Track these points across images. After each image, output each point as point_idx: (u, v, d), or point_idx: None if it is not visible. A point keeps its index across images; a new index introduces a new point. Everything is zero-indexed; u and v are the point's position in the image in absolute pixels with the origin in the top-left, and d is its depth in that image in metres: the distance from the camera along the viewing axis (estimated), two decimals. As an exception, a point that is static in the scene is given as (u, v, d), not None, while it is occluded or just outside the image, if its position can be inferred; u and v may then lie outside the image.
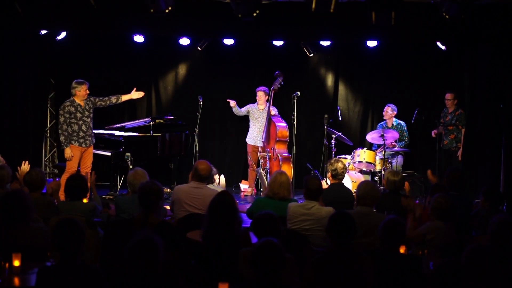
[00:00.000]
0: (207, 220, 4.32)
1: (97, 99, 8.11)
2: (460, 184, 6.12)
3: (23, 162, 6.31)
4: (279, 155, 8.89)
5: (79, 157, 7.94)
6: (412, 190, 6.96)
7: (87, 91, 7.94)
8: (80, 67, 9.93)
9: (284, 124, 9.09)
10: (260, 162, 9.14)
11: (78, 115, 7.88)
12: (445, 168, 8.41)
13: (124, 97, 8.37)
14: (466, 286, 3.23)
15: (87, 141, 7.97)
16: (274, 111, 9.25)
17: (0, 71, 8.87)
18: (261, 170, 8.95)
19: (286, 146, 9.11)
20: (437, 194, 5.11)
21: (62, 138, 7.86)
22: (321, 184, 5.31)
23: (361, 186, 5.21)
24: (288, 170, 8.60)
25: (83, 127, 7.93)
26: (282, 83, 9.04)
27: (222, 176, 8.45)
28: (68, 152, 7.86)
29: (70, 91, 7.94)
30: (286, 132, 9.05)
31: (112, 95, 8.26)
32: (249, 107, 9.50)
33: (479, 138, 8.99)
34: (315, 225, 5.04)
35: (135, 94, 8.46)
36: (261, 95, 9.35)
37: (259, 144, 9.30)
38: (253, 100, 9.52)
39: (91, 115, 8.05)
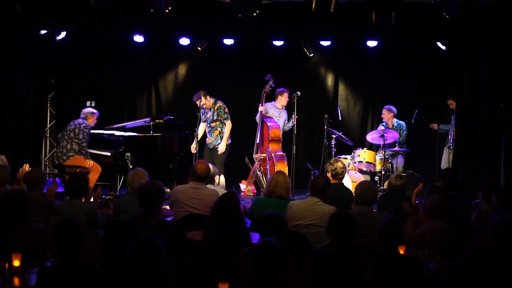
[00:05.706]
0: (211, 220, 4.31)
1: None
2: (456, 183, 6.11)
3: (24, 164, 6.31)
4: (273, 154, 8.91)
5: None
6: (411, 190, 6.94)
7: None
8: (80, 67, 9.94)
9: (276, 124, 9.11)
10: (257, 163, 9.14)
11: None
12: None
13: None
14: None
15: None
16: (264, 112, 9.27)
17: (0, 71, 8.86)
18: (258, 171, 8.96)
19: (280, 145, 9.12)
20: (433, 194, 5.13)
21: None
22: (326, 183, 5.32)
23: (359, 186, 5.27)
24: (283, 169, 8.59)
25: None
26: (273, 85, 9.12)
27: (222, 177, 8.44)
28: None
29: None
30: (278, 131, 9.09)
31: None
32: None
33: (479, 138, 8.98)
34: (315, 221, 5.04)
35: None
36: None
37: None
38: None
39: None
